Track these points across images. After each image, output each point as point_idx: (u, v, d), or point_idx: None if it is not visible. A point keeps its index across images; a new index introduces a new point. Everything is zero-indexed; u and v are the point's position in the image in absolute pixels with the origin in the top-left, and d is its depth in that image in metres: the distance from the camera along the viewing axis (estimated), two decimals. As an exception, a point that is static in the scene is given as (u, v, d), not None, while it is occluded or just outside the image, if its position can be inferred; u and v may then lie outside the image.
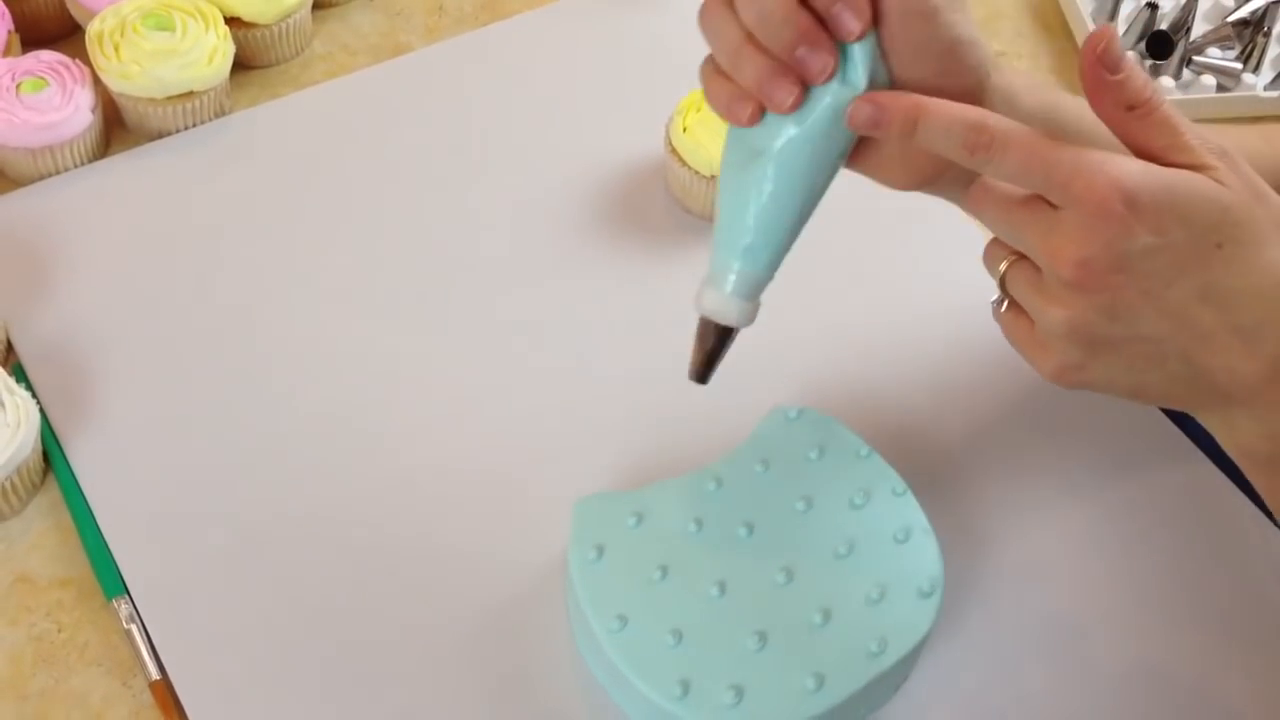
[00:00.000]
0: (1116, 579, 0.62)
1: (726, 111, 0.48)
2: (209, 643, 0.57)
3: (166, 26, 0.74)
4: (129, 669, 0.57)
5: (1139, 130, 0.45)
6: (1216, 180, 0.44)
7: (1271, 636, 0.60)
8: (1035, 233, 0.45)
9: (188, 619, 0.58)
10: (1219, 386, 0.46)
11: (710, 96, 0.49)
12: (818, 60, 0.46)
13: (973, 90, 0.48)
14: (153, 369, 0.67)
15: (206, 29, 0.75)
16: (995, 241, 0.49)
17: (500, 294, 0.71)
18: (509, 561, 0.61)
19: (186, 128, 0.77)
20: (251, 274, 0.71)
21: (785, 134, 0.48)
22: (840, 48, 0.47)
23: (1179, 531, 0.64)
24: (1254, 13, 0.86)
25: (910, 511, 0.58)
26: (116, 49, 0.74)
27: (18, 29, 0.77)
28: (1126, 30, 0.86)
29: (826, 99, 0.47)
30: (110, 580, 0.59)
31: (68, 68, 0.73)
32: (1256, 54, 0.84)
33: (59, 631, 0.58)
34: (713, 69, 0.49)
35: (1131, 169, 0.43)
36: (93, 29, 0.75)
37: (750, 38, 0.47)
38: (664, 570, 0.56)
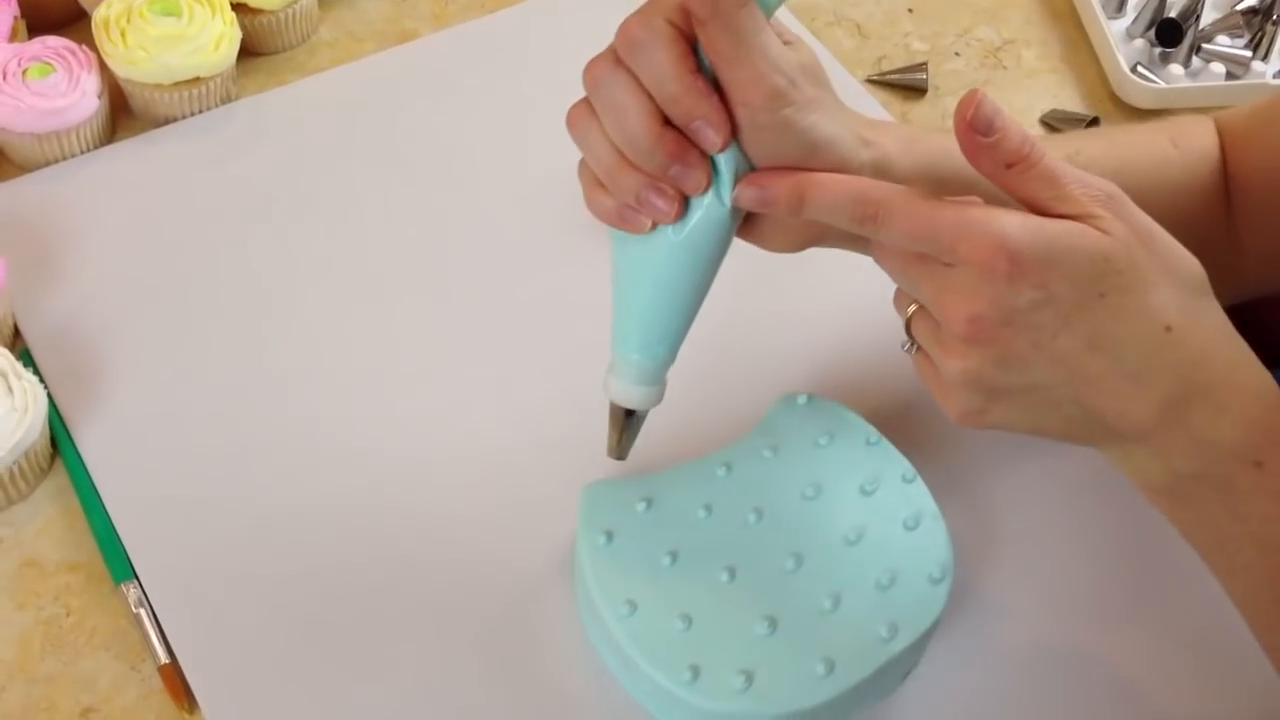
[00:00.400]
0: (1131, 564, 0.62)
1: (619, 221, 0.50)
2: (218, 627, 0.57)
3: (173, 12, 0.74)
4: (138, 653, 0.57)
5: (1020, 185, 0.46)
6: (1100, 229, 0.45)
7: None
8: (929, 289, 0.47)
9: (197, 603, 0.58)
10: (1112, 427, 0.47)
11: (593, 205, 0.50)
12: (692, 179, 0.48)
13: (843, 171, 0.49)
14: (161, 354, 0.67)
15: (213, 15, 0.75)
16: (901, 290, 0.50)
17: (509, 279, 0.71)
18: (518, 547, 0.61)
19: (193, 114, 0.77)
20: (259, 260, 0.71)
21: (667, 239, 0.49)
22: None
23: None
24: (1263, 0, 0.85)
25: (920, 498, 0.58)
26: (123, 34, 0.74)
27: (24, 15, 0.77)
28: (1136, 18, 0.86)
29: (704, 202, 0.49)
30: (119, 565, 0.59)
31: (74, 53, 0.73)
32: (1266, 42, 0.84)
33: (67, 616, 0.58)
34: (592, 177, 0.50)
35: (1014, 225, 0.44)
36: (99, 14, 0.75)
37: (623, 156, 0.48)
38: (673, 555, 0.55)
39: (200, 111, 0.77)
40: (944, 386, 0.49)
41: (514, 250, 0.72)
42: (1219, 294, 0.48)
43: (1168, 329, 0.46)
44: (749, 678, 0.52)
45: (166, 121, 0.77)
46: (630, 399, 0.54)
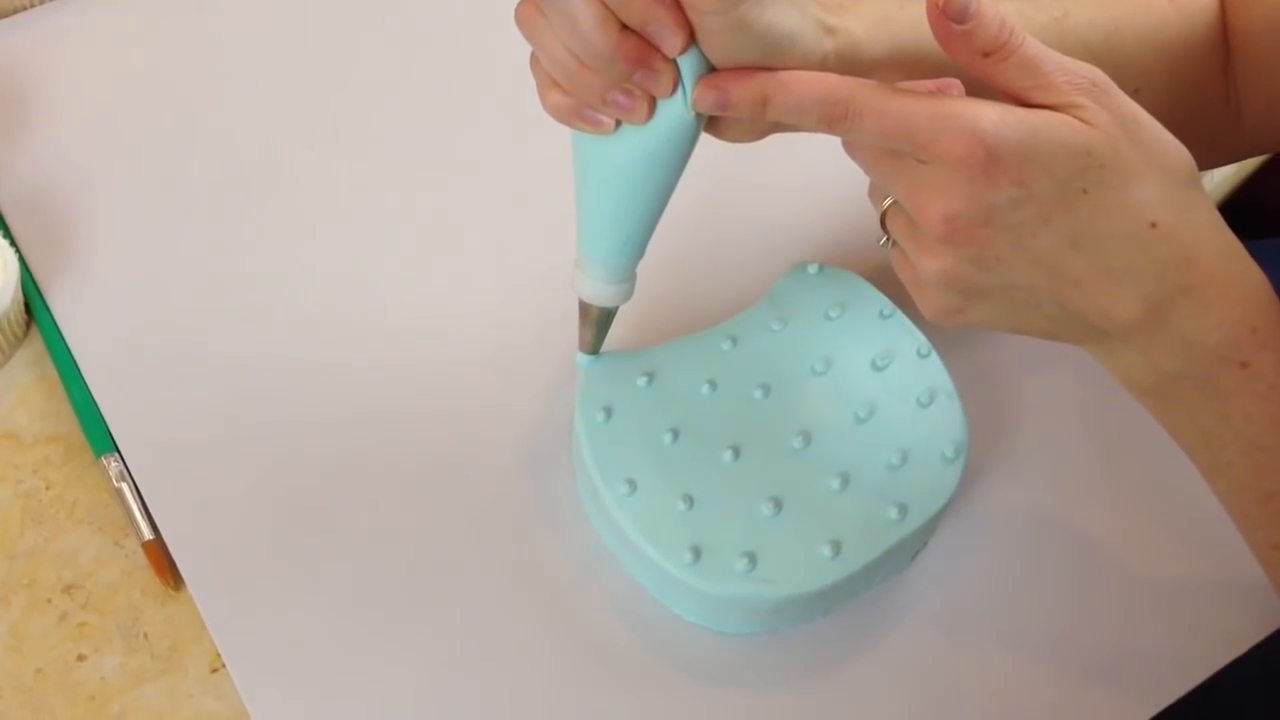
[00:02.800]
0: (1145, 448, 0.60)
1: (579, 121, 0.46)
2: (203, 501, 0.55)
3: None
4: (120, 528, 0.55)
5: (998, 74, 0.43)
6: (1082, 120, 0.42)
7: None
8: (902, 187, 0.44)
9: (181, 477, 0.56)
10: (1096, 327, 0.45)
11: (548, 104, 0.47)
12: (659, 83, 0.45)
13: (810, 68, 0.45)
14: (140, 216, 0.64)
15: None
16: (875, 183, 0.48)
17: (510, 145, 0.67)
18: (514, 423, 0.58)
19: (169, -42, 0.72)
20: (244, 117, 0.67)
21: (632, 141, 0.47)
22: None
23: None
24: None
25: (935, 374, 0.56)
26: None
27: None
28: None
29: (671, 103, 0.46)
30: (99, 437, 0.57)
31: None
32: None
33: (47, 489, 0.56)
34: (545, 75, 0.46)
35: (992, 119, 0.42)
36: None
37: (581, 61, 0.45)
38: (675, 433, 0.53)
39: (177, -45, 0.72)
40: (920, 284, 0.47)
41: (514, 111, 0.68)
42: (1218, 158, 0.45)
43: (1153, 225, 0.43)
44: (752, 560, 0.50)
45: (141, -34, 0.72)
46: (599, 297, 0.52)
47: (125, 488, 0.56)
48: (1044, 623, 0.55)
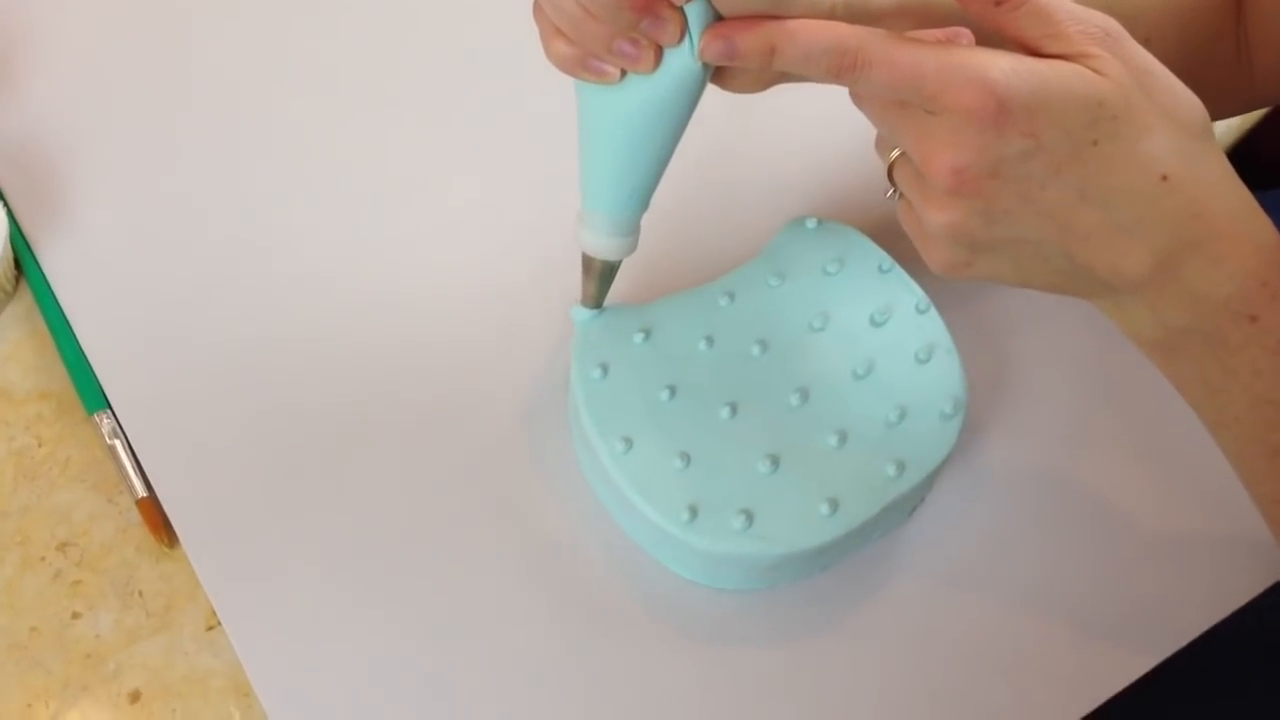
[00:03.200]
0: (1146, 402, 0.59)
1: (584, 71, 0.46)
2: (197, 459, 0.55)
3: None
4: (114, 485, 0.55)
5: (1010, 23, 0.42)
6: (1095, 70, 0.42)
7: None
8: (910, 138, 0.44)
9: (174, 434, 0.56)
10: (1103, 281, 0.45)
11: (552, 53, 0.46)
12: (666, 31, 0.44)
13: (818, 17, 0.44)
14: (130, 169, 0.63)
15: None
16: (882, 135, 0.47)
17: (502, 93, 0.66)
18: (510, 380, 0.58)
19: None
20: (233, 68, 0.66)
21: (638, 91, 0.46)
22: None
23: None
24: None
25: (934, 329, 0.55)
26: None
27: None
28: None
29: (678, 52, 0.45)
30: (91, 394, 0.56)
31: None
32: None
33: (39, 446, 0.56)
34: (549, 24, 0.45)
35: (1003, 69, 0.41)
36: None
37: (586, 10, 0.44)
38: (672, 390, 0.53)
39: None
40: (927, 238, 0.46)
41: (507, 62, 0.67)
42: (1228, 110, 0.44)
43: (1164, 178, 0.42)
44: (749, 517, 0.50)
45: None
46: (603, 250, 0.52)
47: (118, 445, 0.55)
48: (1042, 577, 0.55)
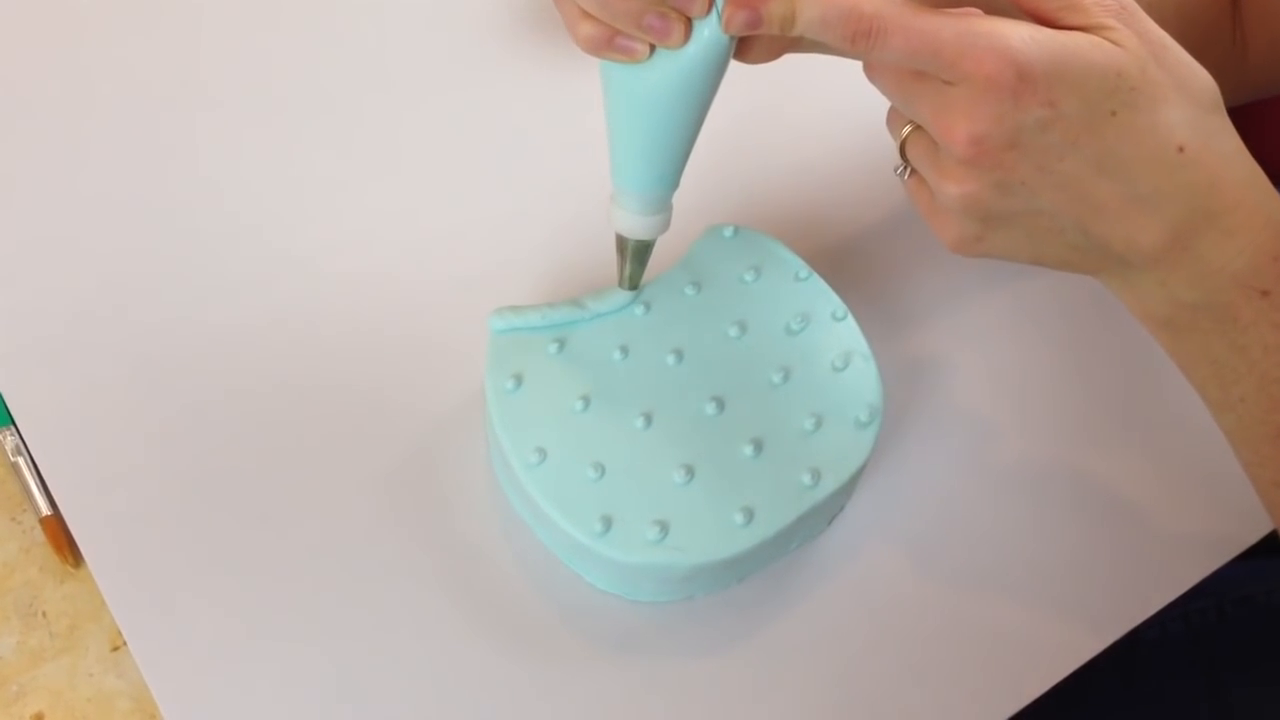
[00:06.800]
0: (1063, 409, 0.59)
1: (612, 50, 0.45)
2: (103, 476, 0.54)
3: None
4: (18, 503, 0.54)
5: None
6: (1112, 41, 0.42)
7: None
8: (928, 108, 0.44)
9: (79, 450, 0.54)
10: (1117, 255, 0.45)
11: (579, 35, 0.46)
12: (695, 3, 0.44)
13: None
14: (31, 177, 0.61)
15: None
16: (895, 109, 0.47)
17: (417, 97, 0.66)
18: (425, 390, 0.57)
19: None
20: (140, 71, 0.65)
21: (666, 67, 0.46)
22: None
23: (1135, 364, 0.61)
24: None
25: (850, 337, 0.55)
26: None
27: None
28: None
29: (705, 23, 0.45)
30: (-6, 410, 0.55)
31: None
32: None
33: (-60, 465, 0.55)
34: (574, 7, 0.45)
35: (1022, 37, 0.41)
36: None
37: None
38: (586, 401, 0.52)
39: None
40: (939, 212, 0.46)
41: (418, 69, 0.67)
42: (1223, 96, 0.45)
43: (1180, 149, 0.43)
44: (664, 528, 0.50)
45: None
46: (636, 230, 0.51)
47: (22, 462, 0.54)
48: (962, 584, 0.55)
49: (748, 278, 0.56)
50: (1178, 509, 0.57)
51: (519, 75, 0.67)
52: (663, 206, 0.51)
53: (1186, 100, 0.43)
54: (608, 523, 0.50)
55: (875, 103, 0.62)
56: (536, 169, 0.64)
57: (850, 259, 0.62)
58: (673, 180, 0.50)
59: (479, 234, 0.61)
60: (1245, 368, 0.46)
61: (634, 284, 0.54)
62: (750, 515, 0.50)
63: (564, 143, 0.64)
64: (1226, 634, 0.63)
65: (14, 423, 0.55)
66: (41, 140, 0.63)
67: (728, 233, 0.58)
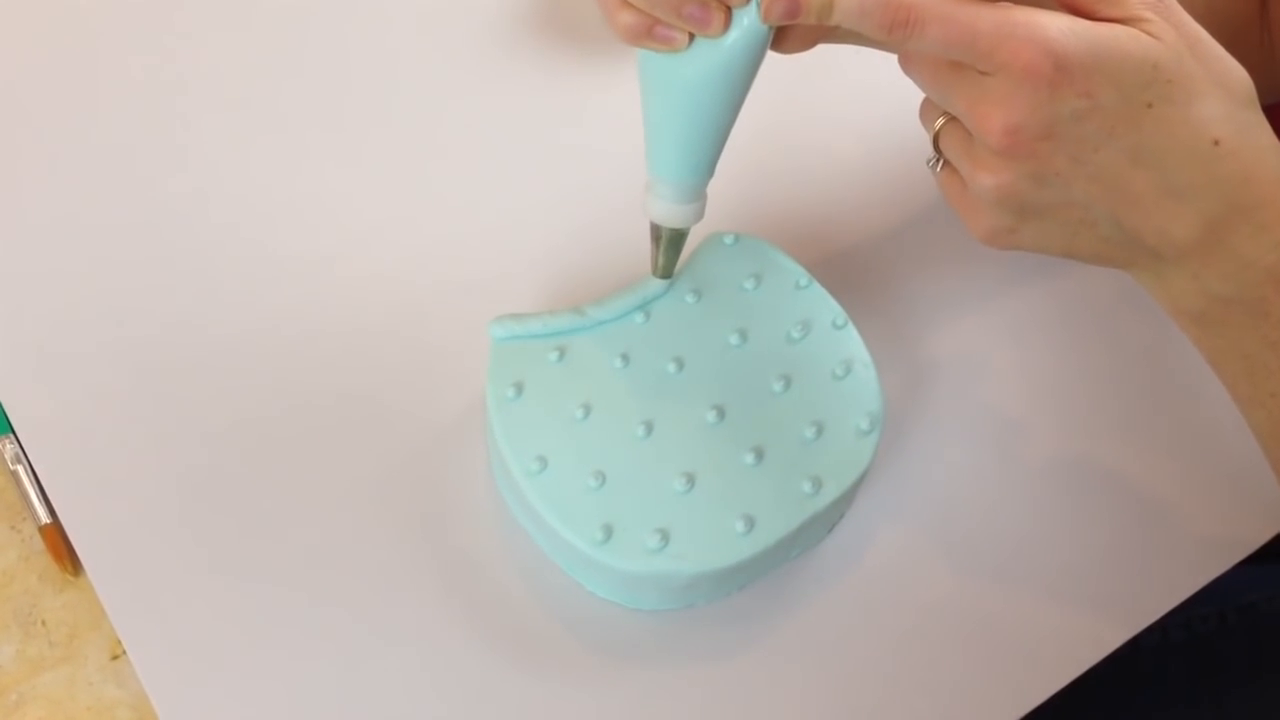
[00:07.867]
0: (1065, 420, 0.59)
1: (651, 39, 0.46)
2: (102, 484, 0.54)
3: None
4: (17, 512, 0.54)
5: None
6: (1149, 34, 0.42)
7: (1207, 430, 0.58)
8: (963, 99, 0.44)
9: (78, 458, 0.54)
10: (1150, 247, 0.45)
11: (617, 24, 0.46)
12: None
13: None
14: (28, 184, 0.61)
15: None
16: (929, 100, 0.47)
17: (415, 110, 0.66)
18: (426, 397, 0.57)
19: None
20: (131, 75, 0.65)
21: (705, 55, 0.46)
22: None
23: (1132, 367, 0.61)
24: None
25: (851, 345, 0.55)
26: None
27: None
28: None
29: (744, 12, 0.45)
30: (-7, 418, 0.55)
31: None
32: None
33: (-61, 473, 0.54)
34: None
35: (1059, 28, 0.41)
36: None
37: None
38: (587, 409, 0.52)
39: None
40: (972, 204, 0.46)
41: (421, 77, 0.67)
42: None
43: (1216, 143, 0.43)
44: (664, 536, 0.50)
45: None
46: (671, 218, 0.51)
47: (21, 470, 0.54)
48: (963, 592, 0.55)
49: (748, 285, 0.56)
50: (1177, 514, 0.57)
51: (521, 83, 0.67)
52: (697, 195, 0.51)
53: (1222, 94, 0.43)
54: (608, 531, 0.50)
55: (876, 111, 0.62)
56: (538, 177, 0.64)
57: (851, 267, 0.62)
58: (709, 169, 0.51)
59: (480, 241, 0.61)
60: (1277, 363, 0.46)
61: (667, 273, 0.54)
62: (751, 523, 0.50)
63: (566, 151, 0.64)
64: (1228, 641, 0.63)
65: (13, 431, 0.55)
66: (41, 147, 0.63)
67: (728, 240, 0.58)
